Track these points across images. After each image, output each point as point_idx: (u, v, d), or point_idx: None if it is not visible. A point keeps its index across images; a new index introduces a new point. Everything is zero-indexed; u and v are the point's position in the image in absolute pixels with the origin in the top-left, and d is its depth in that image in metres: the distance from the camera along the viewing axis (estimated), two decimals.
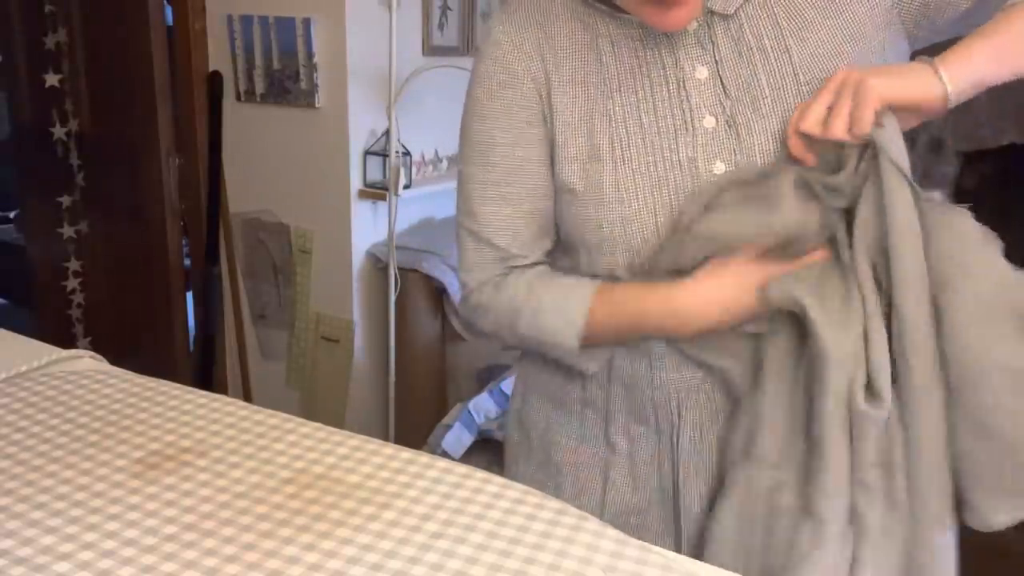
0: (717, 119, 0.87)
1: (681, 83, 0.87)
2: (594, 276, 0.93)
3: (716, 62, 0.87)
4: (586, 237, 0.92)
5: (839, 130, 0.80)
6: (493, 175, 0.94)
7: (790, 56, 0.86)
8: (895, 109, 0.81)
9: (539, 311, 0.93)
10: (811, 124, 0.82)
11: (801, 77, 0.86)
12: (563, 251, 0.98)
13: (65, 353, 0.95)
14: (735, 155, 0.86)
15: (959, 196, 3.75)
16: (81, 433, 0.75)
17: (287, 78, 2.39)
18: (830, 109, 0.82)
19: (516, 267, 0.97)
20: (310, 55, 2.32)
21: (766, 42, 0.87)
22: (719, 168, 0.86)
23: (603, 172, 0.89)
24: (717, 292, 0.86)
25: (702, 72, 0.87)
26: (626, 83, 0.89)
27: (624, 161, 0.88)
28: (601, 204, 0.89)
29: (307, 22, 2.30)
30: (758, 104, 0.86)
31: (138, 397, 0.83)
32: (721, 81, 0.87)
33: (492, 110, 0.94)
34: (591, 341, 0.93)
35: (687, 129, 0.87)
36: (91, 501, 0.65)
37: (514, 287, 0.95)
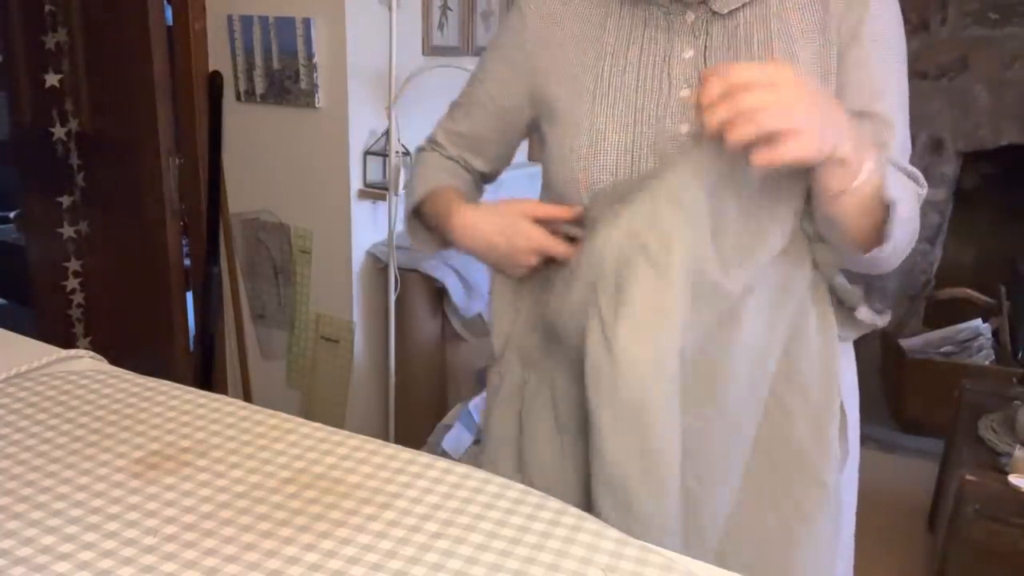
0: (691, 90, 0.95)
1: (667, 58, 0.97)
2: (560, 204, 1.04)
3: (705, 47, 0.96)
4: (558, 168, 1.02)
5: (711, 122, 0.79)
6: (471, 89, 1.14)
7: (772, 55, 0.94)
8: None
9: (411, 180, 1.16)
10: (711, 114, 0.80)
11: None
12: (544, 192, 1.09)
13: (65, 353, 0.95)
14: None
15: (959, 196, 3.75)
16: (81, 433, 0.75)
17: (287, 78, 2.39)
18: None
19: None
20: (310, 55, 2.32)
21: (755, 41, 0.95)
22: (684, 129, 0.95)
23: (582, 115, 0.99)
24: (480, 224, 1.04)
25: (688, 52, 0.96)
26: (619, 51, 0.99)
27: (602, 106, 0.98)
28: (576, 136, 0.99)
29: (307, 22, 2.30)
30: None
31: (138, 397, 0.83)
32: (704, 62, 0.95)
33: (496, 44, 1.11)
34: (424, 221, 1.13)
35: (661, 94, 0.96)
36: (91, 501, 0.65)
37: (423, 161, 1.18)
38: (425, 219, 1.13)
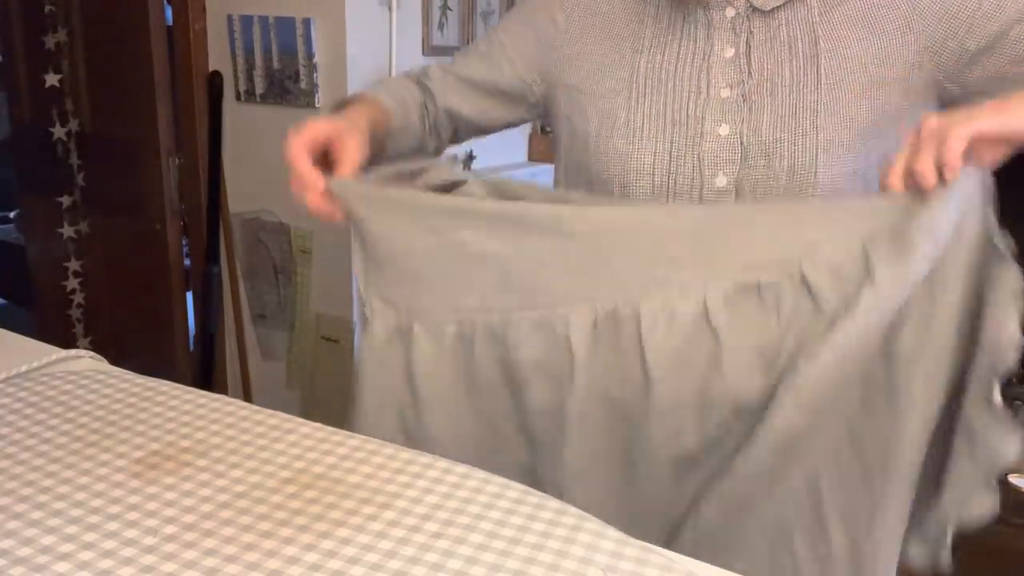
0: (732, 90, 0.92)
1: (706, 57, 0.94)
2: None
3: (747, 46, 0.92)
4: (591, 163, 0.98)
5: (927, 177, 0.77)
6: (487, 45, 1.10)
7: (817, 62, 0.91)
8: (984, 143, 0.78)
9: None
10: (895, 180, 0.80)
11: (823, 83, 0.90)
12: (571, 184, 1.05)
13: (65, 353, 0.95)
14: (743, 124, 0.91)
15: None
16: (81, 433, 0.75)
17: (287, 78, 2.39)
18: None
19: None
20: (310, 55, 2.32)
21: (799, 45, 0.91)
22: (724, 130, 0.92)
23: (618, 110, 0.97)
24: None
25: (729, 52, 0.93)
26: (656, 47, 0.96)
27: (639, 103, 0.95)
28: (611, 136, 0.96)
29: (307, 22, 2.30)
30: (776, 90, 0.91)
31: (138, 397, 0.83)
32: (748, 63, 0.92)
33: (523, 14, 1.08)
34: None
35: (700, 94, 0.93)
36: (91, 501, 0.65)
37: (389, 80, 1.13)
38: None
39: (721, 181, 0.92)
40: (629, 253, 0.84)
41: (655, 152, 0.94)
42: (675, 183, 0.93)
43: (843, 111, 0.89)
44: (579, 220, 0.85)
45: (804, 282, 0.81)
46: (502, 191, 0.92)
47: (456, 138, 1.16)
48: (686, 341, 0.84)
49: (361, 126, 0.96)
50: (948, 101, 0.94)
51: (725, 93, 0.92)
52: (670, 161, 0.93)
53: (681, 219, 0.84)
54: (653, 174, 0.94)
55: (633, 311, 0.84)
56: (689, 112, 0.93)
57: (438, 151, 1.15)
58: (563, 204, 0.88)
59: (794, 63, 0.91)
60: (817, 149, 0.89)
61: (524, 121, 1.14)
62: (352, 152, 0.93)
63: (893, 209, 0.81)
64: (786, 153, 0.89)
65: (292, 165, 0.91)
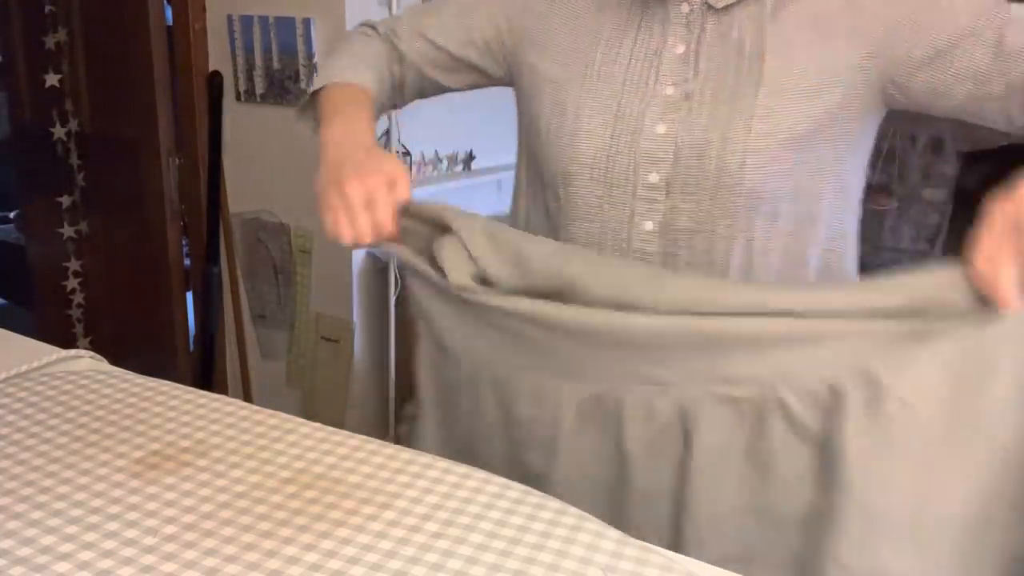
0: (676, 88, 0.94)
1: (658, 52, 0.95)
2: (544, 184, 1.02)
3: (698, 44, 0.94)
4: (541, 147, 1.01)
5: (1000, 281, 0.71)
6: (452, 8, 1.09)
7: (761, 65, 0.91)
8: None
9: (333, 56, 1.10)
10: (1002, 290, 0.71)
11: (762, 87, 0.91)
12: (529, 178, 1.07)
13: (65, 353, 0.95)
14: (677, 124, 0.93)
15: (959, 196, 3.71)
16: (81, 433, 0.75)
17: (287, 78, 2.38)
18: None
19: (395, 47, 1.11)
20: (310, 55, 2.32)
21: (746, 45, 0.92)
22: (661, 129, 0.93)
23: (567, 101, 0.98)
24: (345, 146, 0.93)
25: (680, 48, 0.95)
26: (614, 39, 0.98)
27: (590, 94, 0.97)
28: (560, 127, 0.98)
29: (307, 22, 2.30)
30: (718, 91, 0.92)
31: (138, 397, 0.83)
32: (696, 61, 0.94)
33: None
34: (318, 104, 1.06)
35: (647, 90, 0.95)
36: (91, 501, 0.65)
37: (364, 44, 1.11)
38: (319, 101, 1.07)
39: (653, 178, 0.94)
40: (614, 350, 0.85)
41: (596, 147, 0.96)
42: (611, 178, 0.95)
43: (778, 116, 0.90)
44: (570, 319, 0.85)
45: (782, 405, 0.80)
46: (497, 240, 0.90)
47: (421, 95, 1.16)
48: (663, 434, 0.85)
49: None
50: (893, 108, 0.95)
51: (669, 91, 0.94)
52: (608, 157, 0.95)
53: (661, 327, 0.81)
54: (592, 167, 0.96)
55: (617, 400, 0.86)
56: (632, 109, 0.95)
57: (395, 107, 1.17)
58: (558, 303, 0.85)
59: (740, 64, 0.92)
60: (746, 152, 0.90)
61: (494, 85, 1.14)
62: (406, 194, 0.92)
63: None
64: (715, 153, 0.91)
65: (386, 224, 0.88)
